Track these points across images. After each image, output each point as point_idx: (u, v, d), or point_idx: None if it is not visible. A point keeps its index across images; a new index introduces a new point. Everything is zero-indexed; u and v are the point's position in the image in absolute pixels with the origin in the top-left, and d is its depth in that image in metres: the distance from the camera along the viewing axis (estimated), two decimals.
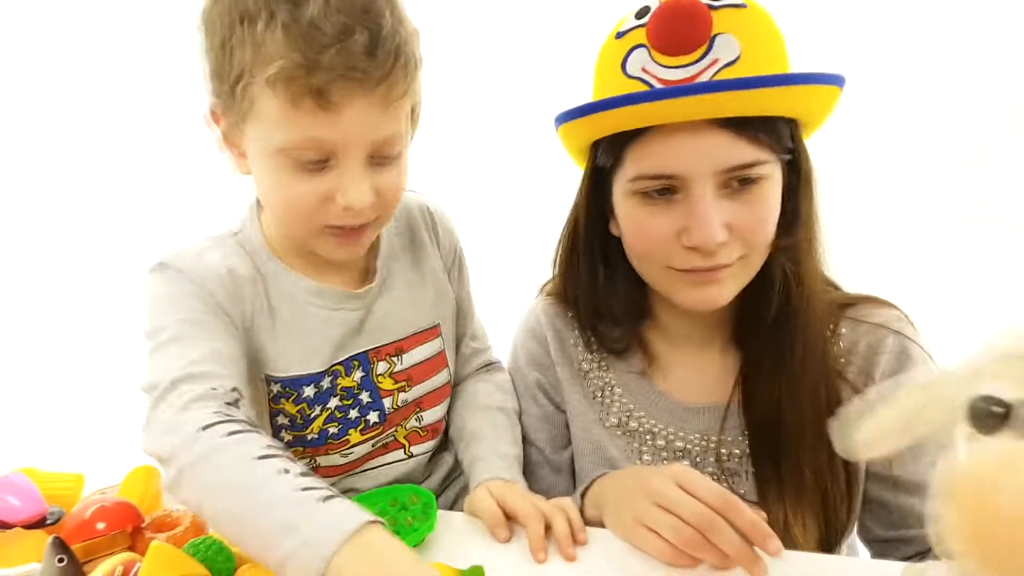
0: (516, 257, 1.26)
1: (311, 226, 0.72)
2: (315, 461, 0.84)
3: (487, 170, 2.00)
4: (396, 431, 0.87)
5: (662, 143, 0.67)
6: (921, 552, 0.75)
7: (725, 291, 0.73)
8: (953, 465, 0.40)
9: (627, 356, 0.87)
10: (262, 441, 0.58)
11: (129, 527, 0.68)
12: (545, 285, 0.95)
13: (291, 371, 0.77)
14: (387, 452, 0.88)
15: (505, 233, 1.82)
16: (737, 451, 0.79)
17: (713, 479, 0.69)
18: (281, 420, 0.80)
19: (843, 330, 0.78)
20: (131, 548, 0.67)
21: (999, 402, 0.38)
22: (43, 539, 0.60)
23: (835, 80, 0.67)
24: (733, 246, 0.70)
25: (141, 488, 0.78)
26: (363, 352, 0.83)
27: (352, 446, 0.84)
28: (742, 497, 0.69)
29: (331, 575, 0.50)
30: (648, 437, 0.84)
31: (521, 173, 1.90)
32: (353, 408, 0.83)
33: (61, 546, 0.59)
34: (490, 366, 1.00)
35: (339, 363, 0.81)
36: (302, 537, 0.51)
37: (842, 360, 0.77)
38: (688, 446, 0.82)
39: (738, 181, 0.68)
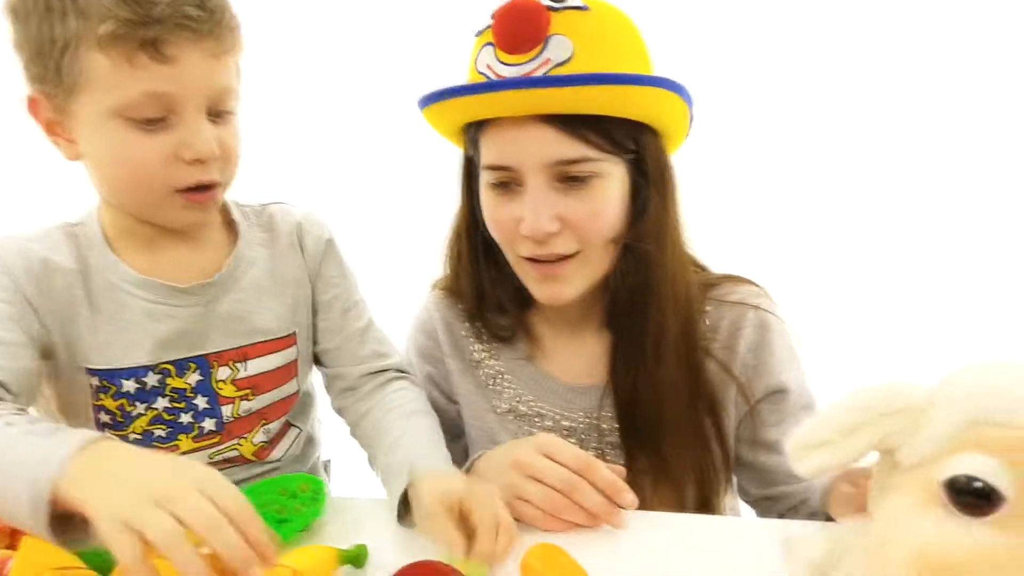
0: (408, 261, 1.23)
1: (159, 188, 0.71)
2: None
3: (374, 173, 1.99)
4: (241, 445, 0.84)
5: (499, 135, 0.73)
6: (794, 506, 0.82)
7: (569, 287, 0.78)
8: (920, 543, 0.40)
9: (514, 343, 0.90)
10: None
11: (7, 528, 0.67)
12: (437, 281, 0.95)
13: (110, 363, 0.75)
14: (234, 467, 0.85)
15: (398, 236, 1.81)
16: (617, 426, 0.85)
17: (596, 454, 0.75)
18: (104, 417, 0.77)
19: (708, 308, 0.84)
20: (10, 547, 0.67)
21: (985, 484, 0.39)
22: None
23: (667, 85, 0.71)
24: (566, 238, 0.74)
25: None
26: (201, 355, 0.79)
27: (183, 453, 0.81)
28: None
29: (63, 492, 0.51)
30: (537, 419, 0.88)
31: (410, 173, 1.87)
32: (186, 412, 0.80)
33: None
34: (404, 375, 0.94)
35: (169, 362, 0.78)
36: (29, 470, 0.53)
37: (708, 337, 0.84)
38: (574, 424, 0.87)
39: (570, 176, 0.72)
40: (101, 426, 0.78)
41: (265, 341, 0.83)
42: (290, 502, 0.74)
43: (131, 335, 0.76)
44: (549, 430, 0.87)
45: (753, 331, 0.83)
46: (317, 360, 0.92)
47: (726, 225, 0.90)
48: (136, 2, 0.63)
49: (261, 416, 0.85)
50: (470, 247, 0.85)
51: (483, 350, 0.92)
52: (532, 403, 0.89)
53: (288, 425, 0.90)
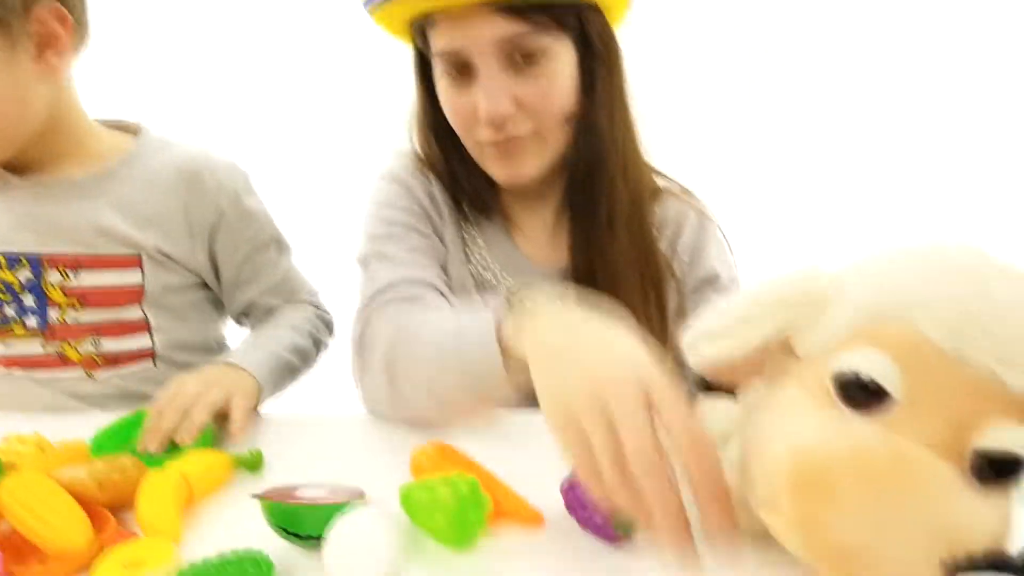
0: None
1: None
2: None
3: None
4: (65, 348, 0.84)
5: (448, 25, 0.73)
6: None
7: (527, 167, 0.79)
8: (800, 438, 0.38)
9: (488, 214, 0.88)
10: None
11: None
12: (404, 152, 0.91)
13: None
14: (64, 367, 0.85)
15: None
16: None
17: None
18: None
19: (655, 208, 0.86)
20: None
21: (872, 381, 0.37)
22: None
23: None
24: (522, 119, 0.75)
25: None
26: (34, 254, 0.81)
27: (16, 339, 0.84)
28: None
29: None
30: (496, 289, 0.88)
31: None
32: (10, 305, 0.83)
33: None
34: (319, 308, 1.00)
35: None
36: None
37: (656, 232, 0.85)
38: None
39: (521, 57, 0.73)
40: None
41: (105, 256, 0.83)
42: None
43: None
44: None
45: (693, 232, 0.86)
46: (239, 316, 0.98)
47: (726, 226, 0.92)
48: None
49: (94, 329, 0.85)
50: (438, 135, 0.85)
51: (456, 210, 0.89)
52: (499, 273, 0.88)
53: (150, 355, 0.89)
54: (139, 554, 0.48)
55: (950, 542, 0.35)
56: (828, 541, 0.37)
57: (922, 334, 0.36)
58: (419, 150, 0.88)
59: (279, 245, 0.97)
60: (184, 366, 0.86)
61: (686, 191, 0.90)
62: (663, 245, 0.84)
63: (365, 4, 0.77)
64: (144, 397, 0.78)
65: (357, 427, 0.75)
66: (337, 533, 0.45)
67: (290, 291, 0.98)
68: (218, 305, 0.97)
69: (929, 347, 0.36)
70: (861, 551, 0.36)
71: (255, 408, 0.77)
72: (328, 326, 1.01)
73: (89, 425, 0.68)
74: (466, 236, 0.88)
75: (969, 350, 0.36)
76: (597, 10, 0.76)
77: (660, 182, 0.89)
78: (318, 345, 0.97)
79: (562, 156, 0.80)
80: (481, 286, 0.88)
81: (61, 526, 0.50)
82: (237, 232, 0.91)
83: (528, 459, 0.59)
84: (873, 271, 0.40)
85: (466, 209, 0.88)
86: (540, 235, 0.89)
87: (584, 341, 0.48)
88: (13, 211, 0.81)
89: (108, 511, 0.54)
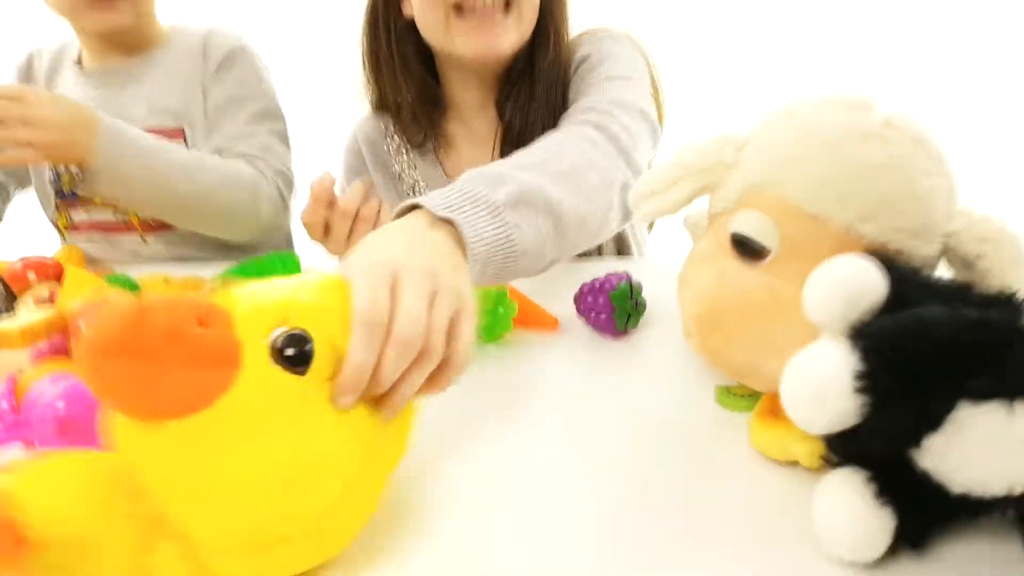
0: None
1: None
2: (70, 216, 1.06)
3: None
4: (129, 214, 1.02)
5: None
6: None
7: (503, 40, 0.81)
8: (706, 283, 0.48)
9: (426, 147, 0.96)
10: None
11: (55, 278, 0.84)
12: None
13: None
14: (127, 232, 1.05)
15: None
16: None
17: None
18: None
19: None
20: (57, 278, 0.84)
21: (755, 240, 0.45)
22: None
23: None
24: None
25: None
26: None
27: (95, 207, 1.03)
28: None
29: None
30: None
31: None
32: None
33: None
34: (265, 175, 1.03)
35: None
36: None
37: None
38: None
39: None
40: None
41: (156, 129, 0.97)
42: None
43: None
44: None
45: (585, 45, 0.88)
46: None
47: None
48: None
49: None
50: (386, 46, 0.88)
51: (402, 162, 0.97)
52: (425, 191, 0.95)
53: None
54: None
55: None
56: (724, 360, 0.49)
57: (792, 198, 0.44)
58: (369, 78, 0.94)
59: (265, 112, 1.06)
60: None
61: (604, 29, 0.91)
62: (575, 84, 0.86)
63: None
64: (180, 258, 1.02)
65: None
66: None
67: (254, 154, 1.01)
68: None
69: (794, 209, 0.44)
70: (748, 366, 0.47)
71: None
72: (268, 196, 1.01)
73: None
74: (412, 189, 0.96)
75: (826, 209, 0.43)
76: None
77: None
78: (231, 188, 0.98)
79: (522, 49, 0.84)
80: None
81: None
82: (219, 83, 1.03)
83: (546, 280, 0.72)
84: (760, 141, 0.46)
85: (404, 152, 0.96)
86: (472, 149, 0.94)
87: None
88: (86, 95, 0.99)
89: None
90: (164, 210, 0.98)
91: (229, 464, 0.32)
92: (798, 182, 0.43)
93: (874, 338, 0.34)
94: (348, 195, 0.73)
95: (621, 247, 0.98)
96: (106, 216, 1.05)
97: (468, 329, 0.41)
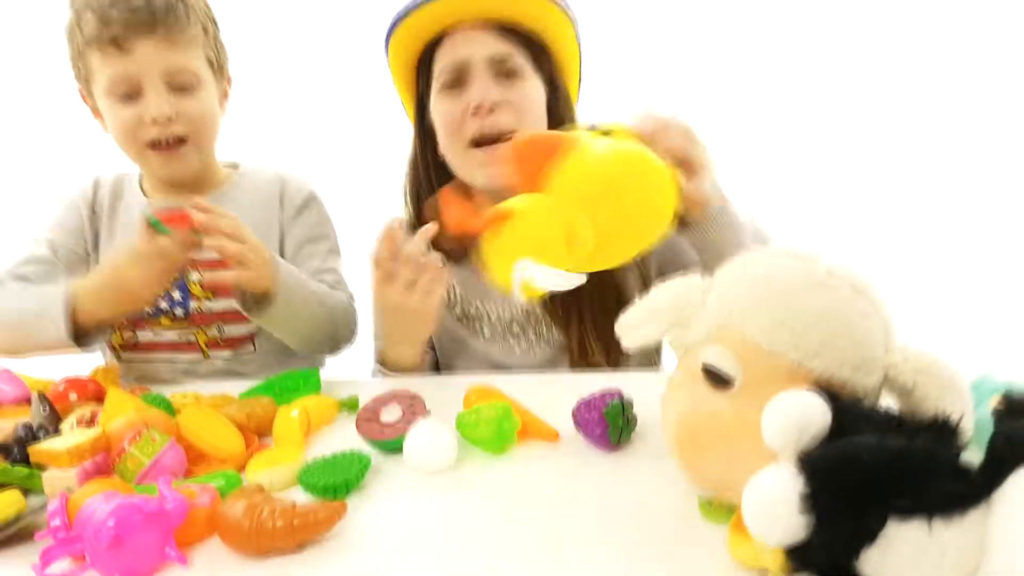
0: None
1: (135, 144, 1.03)
2: (135, 335, 1.13)
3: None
4: (197, 334, 1.11)
5: (452, 43, 0.96)
6: None
7: None
8: (682, 407, 0.55)
9: (462, 259, 1.04)
10: None
11: (94, 399, 0.91)
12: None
13: None
14: (187, 350, 1.13)
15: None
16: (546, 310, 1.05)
17: (536, 339, 1.06)
18: None
19: None
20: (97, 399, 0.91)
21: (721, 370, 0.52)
22: (29, 411, 0.83)
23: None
24: (507, 113, 0.95)
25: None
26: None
27: (163, 328, 1.12)
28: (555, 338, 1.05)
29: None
30: (485, 318, 1.07)
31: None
32: (164, 299, 1.10)
33: (44, 399, 0.80)
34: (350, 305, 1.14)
35: None
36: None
37: None
38: (516, 315, 1.07)
39: (505, 74, 0.95)
40: None
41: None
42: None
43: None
44: (495, 323, 1.06)
45: None
46: None
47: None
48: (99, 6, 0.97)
49: (219, 316, 1.10)
50: (427, 178, 1.02)
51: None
52: (479, 306, 1.06)
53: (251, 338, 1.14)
54: (276, 457, 0.70)
55: None
56: (701, 475, 0.55)
57: (750, 336, 0.51)
58: (408, 202, 1.07)
59: (336, 248, 1.20)
60: (279, 345, 1.09)
61: None
62: None
63: (389, 29, 0.95)
64: (238, 374, 1.08)
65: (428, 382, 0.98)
66: (414, 433, 0.69)
67: (333, 282, 1.13)
68: None
69: (754, 346, 0.51)
70: (721, 481, 0.53)
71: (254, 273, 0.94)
72: (352, 322, 1.13)
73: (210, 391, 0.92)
74: (449, 293, 1.06)
75: (781, 347, 0.50)
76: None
77: None
78: (335, 315, 1.09)
79: None
80: (471, 321, 1.07)
81: (224, 440, 0.74)
82: (299, 224, 1.15)
83: (546, 396, 0.80)
84: (724, 286, 0.55)
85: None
86: None
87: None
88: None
89: (254, 434, 0.78)
90: (295, 334, 1.06)
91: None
92: (756, 324, 0.51)
93: (815, 464, 0.41)
94: (412, 243, 0.84)
95: (652, 356, 1.08)
96: (172, 336, 1.12)
97: None
